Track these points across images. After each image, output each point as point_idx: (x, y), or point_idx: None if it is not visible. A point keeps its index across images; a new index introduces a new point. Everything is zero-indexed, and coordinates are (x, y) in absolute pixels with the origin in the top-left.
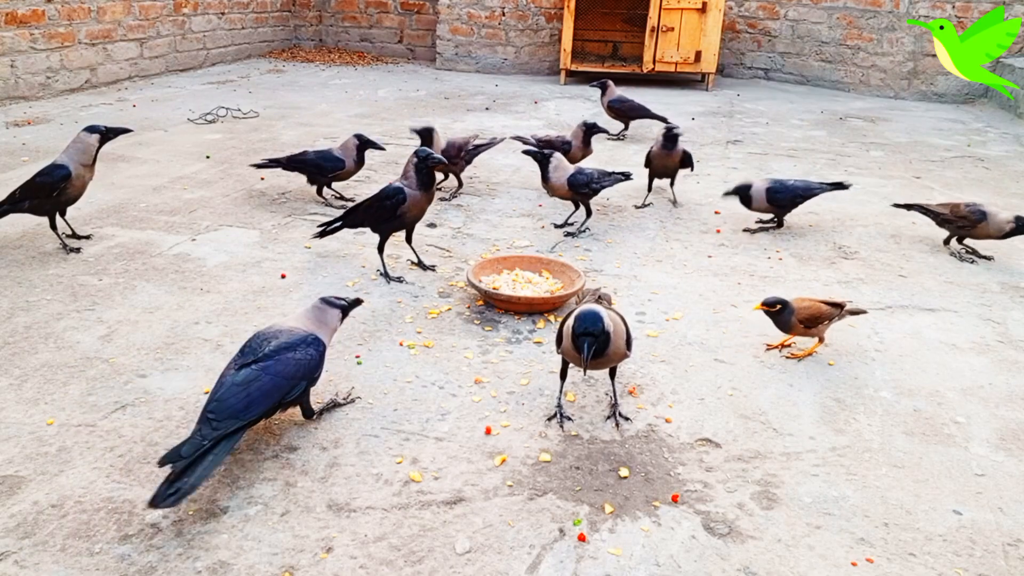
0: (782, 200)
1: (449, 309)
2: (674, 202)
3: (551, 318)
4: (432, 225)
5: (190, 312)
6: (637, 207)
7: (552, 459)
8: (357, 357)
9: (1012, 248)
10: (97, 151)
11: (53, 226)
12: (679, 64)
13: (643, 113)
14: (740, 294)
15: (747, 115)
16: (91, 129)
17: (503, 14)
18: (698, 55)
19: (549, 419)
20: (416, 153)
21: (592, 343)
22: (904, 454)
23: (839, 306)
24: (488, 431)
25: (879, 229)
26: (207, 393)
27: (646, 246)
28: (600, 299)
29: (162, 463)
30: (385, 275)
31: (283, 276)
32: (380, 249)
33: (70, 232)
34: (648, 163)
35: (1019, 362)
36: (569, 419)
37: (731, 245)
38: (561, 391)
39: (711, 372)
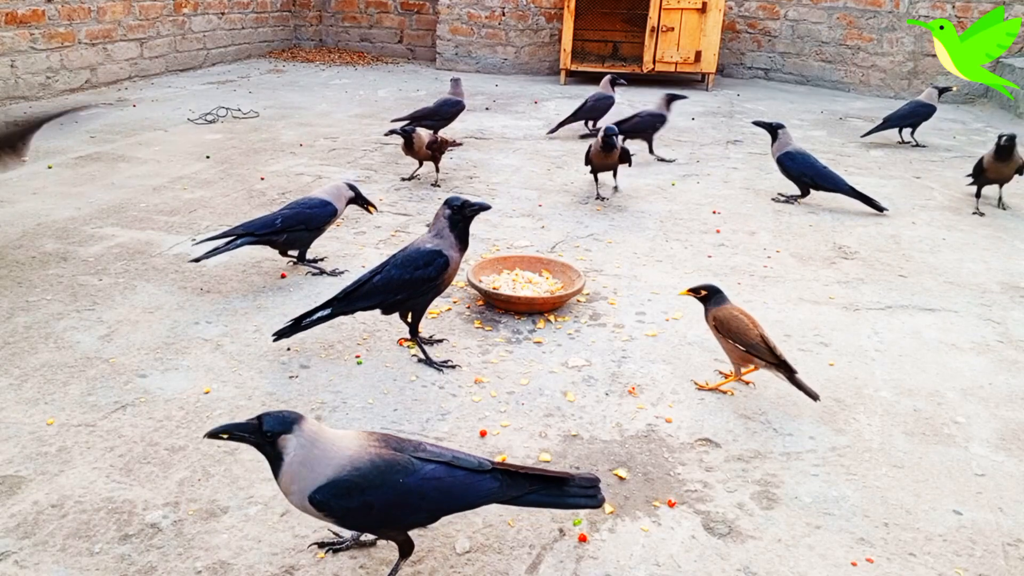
0: (791, 170)
1: (449, 309)
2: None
3: (551, 318)
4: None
5: (190, 312)
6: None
7: (552, 459)
8: (357, 357)
9: (1012, 249)
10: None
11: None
12: (679, 64)
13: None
14: (740, 294)
15: (747, 115)
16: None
17: (503, 14)
18: (698, 55)
19: None
20: (448, 203)
21: None
22: (904, 454)
23: (775, 362)
24: (483, 434)
25: (879, 229)
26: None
27: (646, 246)
28: None
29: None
30: (428, 361)
31: (283, 276)
32: (414, 332)
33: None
34: (588, 161)
35: (1019, 362)
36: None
37: (731, 245)
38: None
39: (711, 372)
